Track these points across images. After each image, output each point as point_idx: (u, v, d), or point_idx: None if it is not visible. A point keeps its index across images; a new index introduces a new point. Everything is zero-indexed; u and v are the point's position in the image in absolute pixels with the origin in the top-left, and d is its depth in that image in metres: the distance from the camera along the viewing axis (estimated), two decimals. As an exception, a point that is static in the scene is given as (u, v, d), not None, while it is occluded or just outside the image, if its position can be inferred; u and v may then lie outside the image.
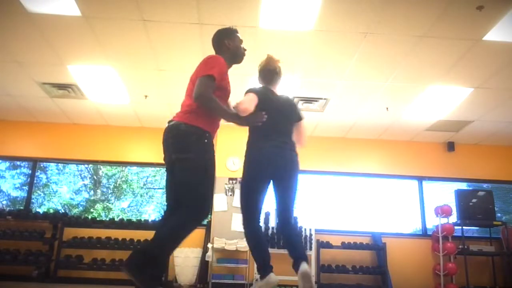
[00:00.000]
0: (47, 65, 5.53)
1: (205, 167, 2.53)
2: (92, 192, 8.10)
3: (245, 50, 2.94)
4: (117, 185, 8.06)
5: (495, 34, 4.50)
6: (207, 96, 2.49)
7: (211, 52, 2.87)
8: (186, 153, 2.50)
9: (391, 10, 4.23)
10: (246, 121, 2.71)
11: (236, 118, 2.68)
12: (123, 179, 8.07)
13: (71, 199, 7.93)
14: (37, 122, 7.53)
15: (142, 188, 7.84)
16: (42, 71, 5.72)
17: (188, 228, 2.49)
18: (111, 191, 8.11)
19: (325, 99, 6.24)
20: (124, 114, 7.06)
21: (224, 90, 2.71)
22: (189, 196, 2.46)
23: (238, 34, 2.93)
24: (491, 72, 5.32)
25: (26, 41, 4.98)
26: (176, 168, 2.54)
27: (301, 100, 6.28)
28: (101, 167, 8.03)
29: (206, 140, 2.57)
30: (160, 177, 7.56)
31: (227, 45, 2.84)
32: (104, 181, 8.19)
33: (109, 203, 8.04)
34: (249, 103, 2.76)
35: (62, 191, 7.90)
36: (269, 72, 3.10)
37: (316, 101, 6.32)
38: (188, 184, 2.48)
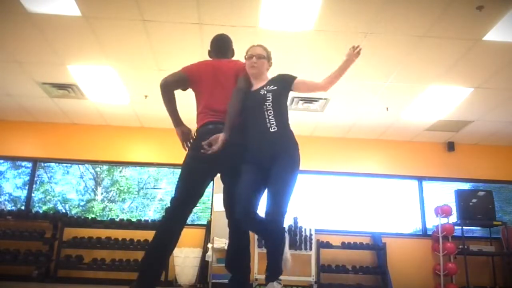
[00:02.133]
0: (47, 65, 5.53)
1: None
2: (92, 192, 8.09)
3: None
4: (117, 185, 8.06)
5: (495, 34, 4.50)
6: None
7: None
8: None
9: (391, 10, 4.24)
10: None
11: None
12: (123, 179, 8.06)
13: (71, 199, 7.92)
14: (37, 122, 7.53)
15: (142, 188, 7.83)
16: (42, 71, 5.72)
17: None
18: (111, 191, 8.11)
19: (325, 99, 6.24)
20: (124, 114, 7.06)
21: None
22: None
23: None
24: (491, 72, 5.32)
25: (26, 41, 4.98)
26: None
27: (301, 100, 6.28)
28: (101, 167, 8.02)
29: None
30: (160, 177, 7.56)
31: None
32: (104, 181, 8.18)
33: (109, 203, 8.04)
34: None
35: (62, 191, 7.90)
36: None
37: (316, 101, 6.31)
38: None
